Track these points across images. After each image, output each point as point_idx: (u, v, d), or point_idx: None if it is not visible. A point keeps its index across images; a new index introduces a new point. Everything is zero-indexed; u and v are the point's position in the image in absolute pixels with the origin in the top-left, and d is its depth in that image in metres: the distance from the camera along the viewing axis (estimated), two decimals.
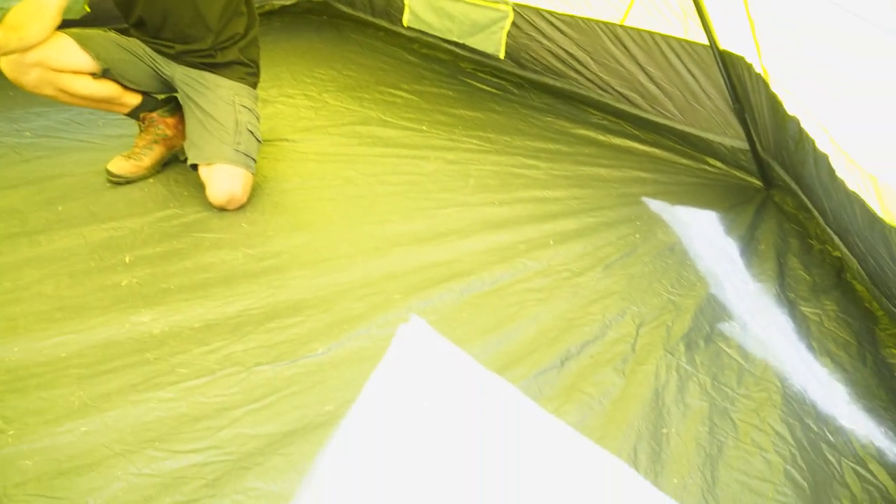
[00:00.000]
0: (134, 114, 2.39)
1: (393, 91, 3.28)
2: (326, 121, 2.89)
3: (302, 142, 2.68)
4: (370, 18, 4.03)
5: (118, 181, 2.33)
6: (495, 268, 2.02)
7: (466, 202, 2.35)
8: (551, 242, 2.16)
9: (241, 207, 2.21)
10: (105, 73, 2.21)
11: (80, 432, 1.41)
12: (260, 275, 1.89)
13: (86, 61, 2.16)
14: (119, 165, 2.34)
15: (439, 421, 1.51)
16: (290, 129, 2.78)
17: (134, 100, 2.34)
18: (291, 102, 3.02)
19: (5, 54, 2.02)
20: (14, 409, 1.46)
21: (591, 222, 2.29)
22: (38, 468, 1.33)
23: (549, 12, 2.95)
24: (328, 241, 2.05)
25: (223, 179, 2.15)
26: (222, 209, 2.19)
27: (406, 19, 3.56)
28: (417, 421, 1.50)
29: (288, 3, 4.24)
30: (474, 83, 3.47)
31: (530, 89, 3.35)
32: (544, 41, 3.04)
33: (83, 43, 2.15)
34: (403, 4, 3.55)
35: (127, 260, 1.95)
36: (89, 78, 2.20)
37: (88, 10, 3.37)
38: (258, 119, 2.30)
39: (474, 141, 2.82)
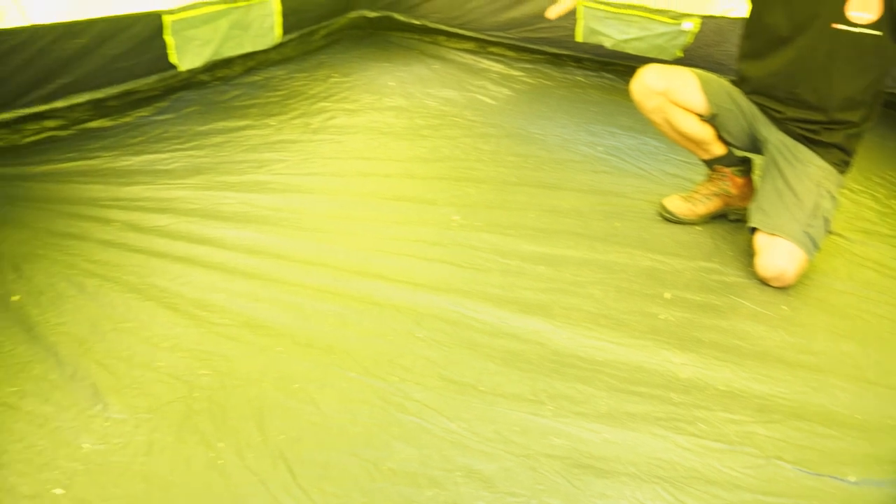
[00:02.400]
0: (711, 162, 2.44)
1: None
2: (891, 230, 2.61)
3: (859, 244, 2.46)
4: None
5: (670, 218, 2.43)
6: None
7: None
8: None
9: (785, 289, 2.11)
10: (711, 119, 2.30)
11: (601, 436, 1.49)
12: (796, 367, 1.78)
13: (700, 103, 2.28)
14: (675, 205, 2.43)
15: None
16: (848, 226, 2.58)
17: (719, 150, 2.40)
18: (853, 198, 2.80)
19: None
20: (554, 389, 1.60)
21: None
22: (564, 450, 1.45)
23: None
24: (877, 363, 1.84)
25: (780, 254, 2.08)
26: (765, 282, 2.12)
27: None
28: None
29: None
30: None
31: None
32: None
33: (704, 85, 2.27)
34: None
35: (667, 296, 2.01)
36: (695, 118, 2.31)
37: (681, 54, 3.58)
38: (836, 209, 2.18)
39: None
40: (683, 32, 3.75)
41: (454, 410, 1.55)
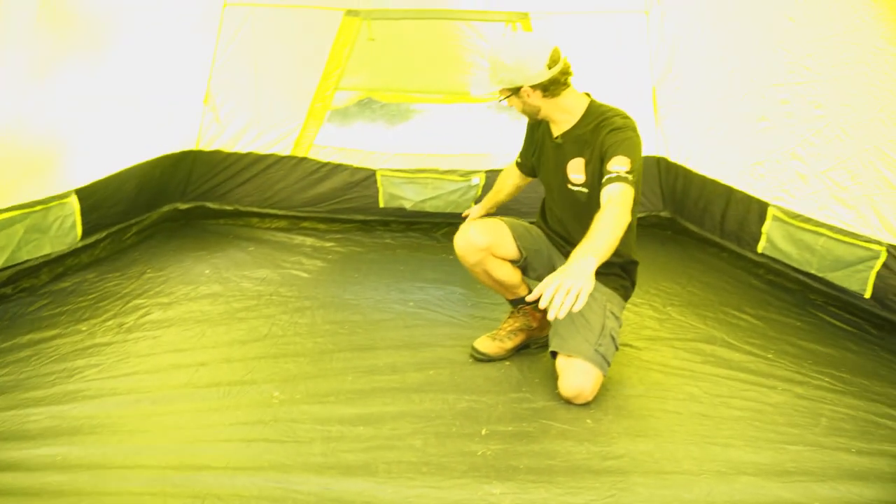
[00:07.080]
0: (516, 302, 2.71)
1: (737, 313, 3.27)
2: (670, 333, 2.97)
3: (646, 350, 2.78)
4: (717, 239, 4.12)
5: (481, 358, 2.63)
6: None
7: (818, 443, 2.20)
8: None
9: (587, 404, 2.33)
10: (522, 263, 2.61)
11: None
12: (602, 473, 1.96)
13: (513, 251, 2.60)
14: (485, 345, 2.65)
15: None
16: (635, 336, 2.90)
17: (524, 291, 2.68)
18: (636, 311, 3.17)
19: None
20: None
21: None
22: None
23: None
24: (670, 454, 2.07)
25: (577, 374, 2.31)
26: (569, 402, 2.33)
27: (761, 247, 3.59)
28: None
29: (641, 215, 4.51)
30: (825, 317, 3.30)
31: (893, 332, 3.10)
32: None
33: (516, 234, 2.59)
34: (760, 233, 3.60)
35: (483, 432, 2.16)
36: (509, 265, 2.61)
37: (473, 205, 3.96)
38: (620, 327, 2.48)
39: (826, 378, 2.67)
40: (473, 187, 4.18)
41: None
